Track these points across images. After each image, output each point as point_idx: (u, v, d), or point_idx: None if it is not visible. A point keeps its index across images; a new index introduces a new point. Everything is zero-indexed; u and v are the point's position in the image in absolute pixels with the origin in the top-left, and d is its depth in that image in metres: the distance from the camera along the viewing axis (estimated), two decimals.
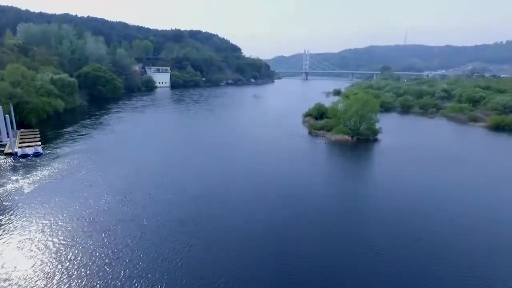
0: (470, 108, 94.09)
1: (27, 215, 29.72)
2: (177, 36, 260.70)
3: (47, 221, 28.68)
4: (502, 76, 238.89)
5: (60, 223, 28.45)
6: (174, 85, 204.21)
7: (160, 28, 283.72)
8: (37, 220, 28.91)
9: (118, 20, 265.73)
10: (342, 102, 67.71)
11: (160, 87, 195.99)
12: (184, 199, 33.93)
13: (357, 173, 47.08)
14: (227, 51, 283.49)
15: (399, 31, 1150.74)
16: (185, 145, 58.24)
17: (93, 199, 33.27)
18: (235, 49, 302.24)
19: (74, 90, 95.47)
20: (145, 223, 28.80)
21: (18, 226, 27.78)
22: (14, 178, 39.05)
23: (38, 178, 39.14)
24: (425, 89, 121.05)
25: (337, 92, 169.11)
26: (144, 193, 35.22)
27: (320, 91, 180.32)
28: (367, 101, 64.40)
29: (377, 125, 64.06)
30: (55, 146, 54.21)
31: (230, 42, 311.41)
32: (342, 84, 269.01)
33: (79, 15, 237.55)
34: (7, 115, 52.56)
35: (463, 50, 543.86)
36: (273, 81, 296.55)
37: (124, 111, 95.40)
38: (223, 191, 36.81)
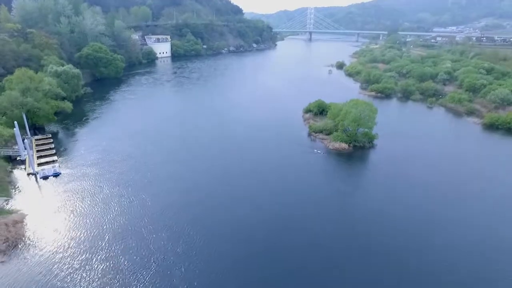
0: (469, 98, 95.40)
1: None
2: None
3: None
4: None
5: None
6: (174, 55, 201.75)
7: None
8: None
9: None
10: (341, 108, 69.85)
11: (161, 57, 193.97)
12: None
13: (347, 201, 48.65)
14: (228, 13, 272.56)
15: None
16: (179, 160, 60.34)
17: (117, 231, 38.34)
18: (236, 11, 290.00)
19: (79, 80, 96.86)
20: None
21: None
22: (48, 207, 44.02)
23: (66, 209, 44.01)
24: (428, 71, 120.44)
25: (340, 66, 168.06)
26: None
27: (323, 63, 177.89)
28: (366, 107, 66.71)
29: (374, 128, 66.64)
30: (70, 161, 58.30)
31: (231, 2, 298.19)
32: (347, 48, 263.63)
33: None
34: (26, 138, 55.94)
35: (478, 2, 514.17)
36: (276, 45, 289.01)
37: (127, 108, 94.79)
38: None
